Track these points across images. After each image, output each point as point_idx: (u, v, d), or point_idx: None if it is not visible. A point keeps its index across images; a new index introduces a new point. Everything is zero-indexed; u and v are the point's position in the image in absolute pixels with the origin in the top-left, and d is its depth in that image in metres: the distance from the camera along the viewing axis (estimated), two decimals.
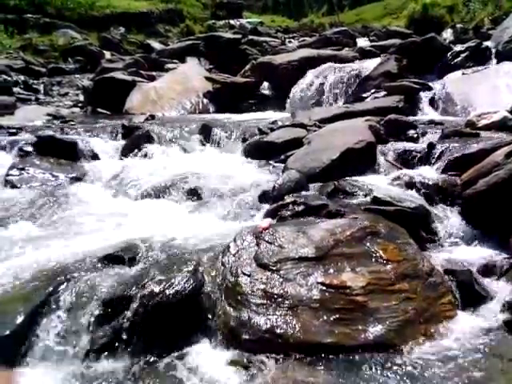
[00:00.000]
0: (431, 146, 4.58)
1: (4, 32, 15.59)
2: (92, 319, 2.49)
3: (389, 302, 2.58)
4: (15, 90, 10.65)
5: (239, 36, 13.57)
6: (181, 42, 14.99)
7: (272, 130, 5.93)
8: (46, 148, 5.29)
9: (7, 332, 2.41)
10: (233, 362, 2.34)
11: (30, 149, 5.35)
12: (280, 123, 6.30)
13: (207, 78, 9.70)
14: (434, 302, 2.68)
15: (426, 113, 7.15)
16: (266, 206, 3.77)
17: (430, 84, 7.65)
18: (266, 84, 9.82)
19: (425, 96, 7.38)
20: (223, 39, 13.01)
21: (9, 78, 10.90)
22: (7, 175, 4.70)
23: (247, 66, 10.63)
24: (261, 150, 5.32)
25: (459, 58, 8.81)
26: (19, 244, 3.34)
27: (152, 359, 2.38)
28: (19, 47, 14.88)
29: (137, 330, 2.43)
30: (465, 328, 2.57)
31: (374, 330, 2.46)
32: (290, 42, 16.36)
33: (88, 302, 2.56)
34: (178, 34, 20.42)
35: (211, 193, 4.22)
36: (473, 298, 2.81)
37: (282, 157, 5.00)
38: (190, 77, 9.83)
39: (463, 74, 8.05)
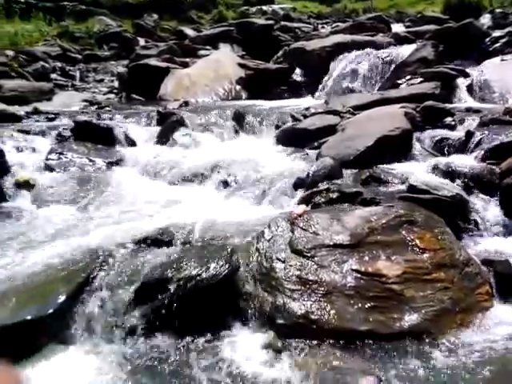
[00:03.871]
0: (469, 133, 4.48)
1: (43, 20, 15.92)
2: (131, 300, 2.55)
3: (425, 291, 2.57)
4: (53, 76, 10.89)
5: (272, 22, 13.46)
6: (213, 28, 14.94)
7: (305, 116, 5.89)
8: (83, 133, 5.37)
9: (50, 311, 2.48)
10: (267, 346, 2.37)
11: (67, 134, 5.44)
12: (313, 110, 6.25)
13: (240, 65, 9.67)
14: (471, 292, 2.65)
15: (464, 100, 6.94)
16: (300, 193, 3.78)
17: (468, 70, 7.43)
18: (298, 70, 9.70)
19: (462, 83, 7.16)
20: (256, 25, 12.90)
21: (47, 65, 11.14)
22: (47, 159, 4.79)
23: (280, 53, 10.56)
24: (294, 137, 5.29)
25: (498, 44, 8.54)
26: (60, 226, 3.45)
27: (188, 340, 2.43)
28: (56, 34, 15.14)
29: (174, 312, 2.48)
30: (502, 319, 2.55)
31: (410, 319, 2.46)
32: (322, 27, 16.15)
33: (126, 284, 2.63)
34: (210, 21, 20.36)
35: (245, 179, 4.25)
36: (510, 288, 2.77)
37: (316, 144, 4.97)
38: (223, 63, 9.80)
39: (502, 60, 7.79)
